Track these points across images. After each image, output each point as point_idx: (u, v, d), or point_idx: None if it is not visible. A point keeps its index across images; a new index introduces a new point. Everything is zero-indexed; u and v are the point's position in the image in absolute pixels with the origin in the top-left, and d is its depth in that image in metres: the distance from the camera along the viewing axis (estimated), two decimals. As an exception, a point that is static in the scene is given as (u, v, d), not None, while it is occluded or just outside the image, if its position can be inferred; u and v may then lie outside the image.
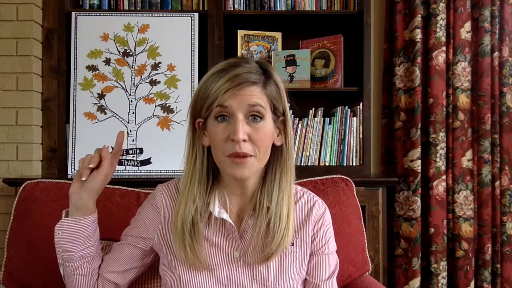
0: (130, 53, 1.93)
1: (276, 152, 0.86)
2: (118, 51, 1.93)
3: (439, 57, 1.96)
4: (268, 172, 0.87)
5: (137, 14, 1.95)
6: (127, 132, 1.89)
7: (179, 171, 0.89)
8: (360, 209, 1.30)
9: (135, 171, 1.88)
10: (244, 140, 0.78)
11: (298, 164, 1.93)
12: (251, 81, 0.79)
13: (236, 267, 0.86)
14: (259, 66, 0.82)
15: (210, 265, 0.85)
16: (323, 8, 2.01)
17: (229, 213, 0.87)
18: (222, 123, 0.79)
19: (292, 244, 0.88)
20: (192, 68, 1.94)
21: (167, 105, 1.92)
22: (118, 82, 1.92)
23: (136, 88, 1.92)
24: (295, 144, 1.93)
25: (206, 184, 0.86)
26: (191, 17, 1.95)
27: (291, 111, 1.95)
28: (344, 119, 1.94)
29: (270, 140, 0.82)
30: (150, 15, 1.95)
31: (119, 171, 1.87)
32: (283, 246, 0.84)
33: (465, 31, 2.00)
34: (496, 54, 1.99)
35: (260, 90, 0.80)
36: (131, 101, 1.91)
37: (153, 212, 0.91)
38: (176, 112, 1.91)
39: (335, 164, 1.93)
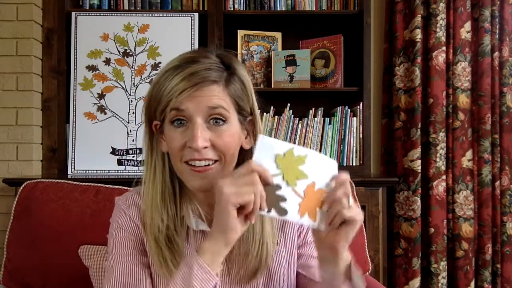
0: (130, 53, 1.93)
1: (245, 156, 0.75)
2: (118, 51, 1.93)
3: (439, 57, 1.96)
4: None
5: (137, 14, 1.94)
6: (127, 132, 1.90)
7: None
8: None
9: (135, 171, 1.88)
10: (206, 147, 0.68)
11: (298, 164, 1.92)
12: (211, 79, 0.68)
13: (223, 285, 0.76)
14: (220, 61, 0.71)
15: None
16: (323, 8, 2.01)
17: (206, 221, 0.77)
18: (179, 128, 0.69)
19: (277, 244, 0.79)
20: (192, 68, 1.93)
21: (167, 105, 1.92)
22: (118, 82, 1.92)
23: (136, 88, 1.92)
24: (294, 144, 1.92)
25: (174, 194, 0.76)
26: (191, 17, 1.95)
27: (289, 110, 1.96)
28: (344, 119, 1.94)
29: (236, 144, 0.72)
30: (150, 15, 1.95)
31: (119, 171, 1.87)
32: (265, 256, 0.74)
33: (465, 31, 2.00)
34: (496, 54, 1.99)
35: (222, 89, 0.70)
36: (131, 101, 1.91)
37: (129, 225, 0.77)
38: (176, 112, 1.91)
39: (335, 164, 1.93)
